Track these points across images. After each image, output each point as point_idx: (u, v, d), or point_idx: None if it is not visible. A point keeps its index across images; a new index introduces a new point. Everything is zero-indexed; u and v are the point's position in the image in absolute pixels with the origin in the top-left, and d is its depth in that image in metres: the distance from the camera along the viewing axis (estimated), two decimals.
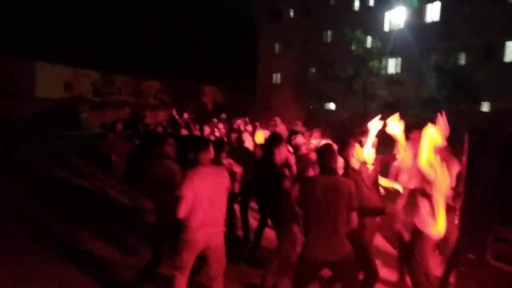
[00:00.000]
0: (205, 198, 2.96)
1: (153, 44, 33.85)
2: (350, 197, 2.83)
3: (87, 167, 10.12)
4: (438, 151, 3.37)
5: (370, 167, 3.68)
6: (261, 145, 5.27)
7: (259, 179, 4.03)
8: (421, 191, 3.41)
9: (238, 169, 4.24)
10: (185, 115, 10.13)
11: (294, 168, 4.00)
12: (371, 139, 3.70)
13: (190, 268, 3.12)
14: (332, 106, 27.39)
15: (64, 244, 4.83)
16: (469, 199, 2.31)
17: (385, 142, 4.23)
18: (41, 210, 6.38)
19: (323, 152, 3.02)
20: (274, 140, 3.95)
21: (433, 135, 3.24)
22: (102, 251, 4.66)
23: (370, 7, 25.22)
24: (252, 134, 7.54)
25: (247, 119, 9.29)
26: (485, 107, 19.09)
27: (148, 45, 33.56)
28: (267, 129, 7.80)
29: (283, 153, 3.90)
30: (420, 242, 3.34)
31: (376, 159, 3.76)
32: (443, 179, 3.25)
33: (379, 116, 3.72)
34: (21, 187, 7.89)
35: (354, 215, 2.86)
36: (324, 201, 2.79)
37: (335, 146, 3.39)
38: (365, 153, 3.60)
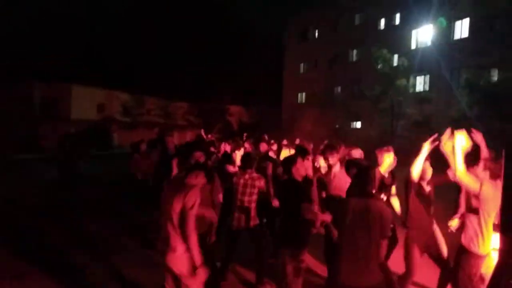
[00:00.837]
0: None
1: (182, 66, 34.97)
2: (382, 223, 2.69)
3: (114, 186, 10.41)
4: (488, 166, 3.29)
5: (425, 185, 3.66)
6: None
7: (282, 200, 4.00)
8: (468, 206, 3.27)
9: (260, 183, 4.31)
10: (210, 136, 10.34)
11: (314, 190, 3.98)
12: (423, 155, 3.54)
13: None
14: (358, 125, 27.07)
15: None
16: (509, 221, 2.20)
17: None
18: (69, 230, 6.60)
19: (362, 172, 2.86)
20: (288, 160, 3.87)
21: (464, 144, 3.08)
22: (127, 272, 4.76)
23: (396, 25, 25.09)
24: (278, 153, 7.64)
25: (264, 137, 9.23)
26: None
27: (177, 67, 34.73)
28: (293, 148, 7.82)
29: (302, 170, 3.79)
30: (467, 262, 3.17)
31: (432, 177, 3.69)
32: (492, 194, 3.02)
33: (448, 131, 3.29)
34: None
35: (385, 243, 2.77)
36: (356, 226, 2.69)
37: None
38: (418, 169, 3.52)
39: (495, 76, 18.91)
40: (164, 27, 40.89)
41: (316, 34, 32.52)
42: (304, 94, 33.37)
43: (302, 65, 33.88)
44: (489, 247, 3.09)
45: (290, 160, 3.80)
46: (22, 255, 5.07)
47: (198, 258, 2.84)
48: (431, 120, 19.87)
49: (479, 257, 3.15)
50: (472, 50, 19.69)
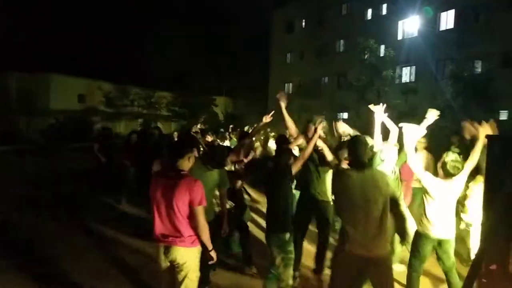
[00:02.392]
0: None
1: (165, 55, 34.31)
2: (386, 190, 2.75)
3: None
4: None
5: None
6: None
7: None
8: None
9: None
10: (198, 127, 10.19)
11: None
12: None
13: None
14: (345, 115, 27.11)
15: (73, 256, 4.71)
16: (490, 209, 2.21)
17: None
18: (51, 222, 6.30)
19: (355, 145, 2.87)
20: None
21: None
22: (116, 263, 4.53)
23: (382, 16, 25.04)
24: (265, 143, 7.50)
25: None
26: (503, 115, 18.56)
27: (160, 56, 34.04)
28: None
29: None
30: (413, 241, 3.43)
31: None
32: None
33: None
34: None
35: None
36: (362, 199, 2.70)
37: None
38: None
39: (478, 67, 19.09)
40: (148, 16, 40.00)
41: (303, 24, 32.29)
42: (290, 85, 33.24)
43: (288, 55, 33.69)
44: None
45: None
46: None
47: (210, 244, 2.86)
48: (416, 111, 19.99)
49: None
50: (457, 41, 19.81)
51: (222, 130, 9.25)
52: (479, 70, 18.90)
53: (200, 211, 2.75)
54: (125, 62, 33.16)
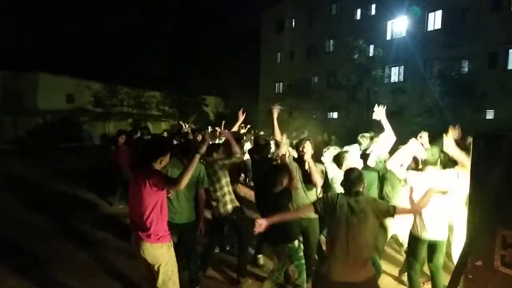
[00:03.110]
0: None
1: (155, 55, 34.01)
2: (377, 216, 2.76)
3: (87, 181, 9.98)
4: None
5: None
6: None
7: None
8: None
9: None
10: (187, 126, 10.20)
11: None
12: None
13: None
14: (335, 115, 27.27)
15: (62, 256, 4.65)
16: (475, 205, 2.24)
17: None
18: (40, 224, 6.20)
19: (351, 176, 2.85)
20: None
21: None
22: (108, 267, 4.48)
23: (371, 16, 25.25)
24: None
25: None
26: (490, 115, 18.89)
27: (150, 56, 33.73)
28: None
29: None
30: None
31: None
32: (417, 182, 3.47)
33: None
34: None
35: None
36: (348, 221, 2.71)
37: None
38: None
39: (465, 67, 19.40)
40: (138, 15, 39.62)
41: (293, 24, 32.35)
42: (281, 84, 33.28)
43: (278, 55, 33.72)
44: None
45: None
46: None
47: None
48: (405, 111, 20.23)
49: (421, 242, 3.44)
50: (444, 41, 20.10)
51: (211, 128, 9.22)
52: (466, 70, 19.22)
53: (171, 183, 2.78)
54: (114, 61, 32.75)
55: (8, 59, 27.29)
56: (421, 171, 3.53)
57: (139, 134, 8.83)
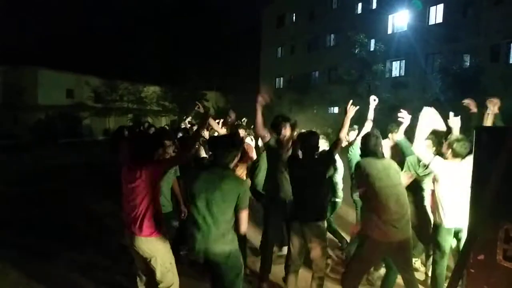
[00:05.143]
0: None
1: (155, 50, 33.92)
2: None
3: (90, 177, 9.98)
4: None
5: None
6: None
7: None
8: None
9: None
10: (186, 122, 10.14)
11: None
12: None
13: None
14: (336, 109, 27.22)
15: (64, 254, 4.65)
16: (477, 198, 2.21)
17: None
18: (40, 218, 6.21)
19: (367, 139, 3.08)
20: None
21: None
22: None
23: (372, 10, 25.08)
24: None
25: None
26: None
27: (150, 51, 33.64)
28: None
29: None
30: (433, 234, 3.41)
31: None
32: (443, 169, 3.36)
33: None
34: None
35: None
36: (387, 182, 2.87)
37: None
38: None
39: (467, 61, 19.30)
40: (137, 10, 39.46)
41: (293, 18, 32.19)
42: (281, 79, 33.19)
43: (279, 50, 33.61)
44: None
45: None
46: None
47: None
48: (406, 105, 20.13)
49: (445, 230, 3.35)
50: (446, 35, 19.96)
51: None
52: (467, 64, 19.12)
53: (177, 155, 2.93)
54: (114, 56, 32.67)
55: (8, 54, 27.22)
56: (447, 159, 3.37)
57: (142, 128, 8.77)
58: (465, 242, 2.31)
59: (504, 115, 4.13)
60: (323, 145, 4.37)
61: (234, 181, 2.59)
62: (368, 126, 4.17)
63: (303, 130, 4.07)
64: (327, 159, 3.42)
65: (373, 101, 4.31)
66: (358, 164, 3.05)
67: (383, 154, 3.09)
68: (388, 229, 2.83)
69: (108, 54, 33.15)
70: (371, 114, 4.32)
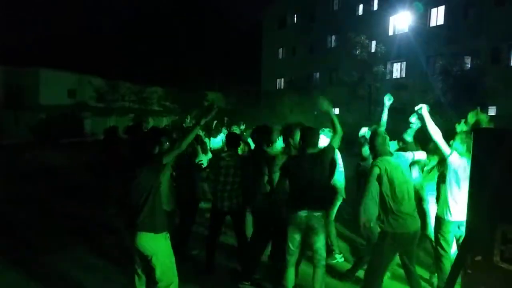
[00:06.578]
0: None
1: (157, 50, 33.97)
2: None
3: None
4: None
5: None
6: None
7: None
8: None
9: None
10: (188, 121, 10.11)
11: None
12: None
13: None
14: (336, 111, 27.21)
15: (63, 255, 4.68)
16: (475, 199, 2.25)
17: None
18: (39, 217, 6.23)
19: (376, 137, 3.24)
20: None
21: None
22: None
23: (374, 11, 25.10)
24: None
25: None
26: (492, 111, 18.81)
27: (152, 51, 33.69)
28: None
29: None
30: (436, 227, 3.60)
31: None
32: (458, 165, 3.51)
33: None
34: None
35: None
36: (404, 178, 3.13)
37: None
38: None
39: (468, 63, 19.30)
40: (139, 10, 39.49)
41: (295, 20, 32.21)
42: (282, 80, 33.20)
43: (280, 51, 33.63)
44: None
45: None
46: None
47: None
48: (407, 107, 20.14)
49: (449, 224, 3.50)
50: (447, 37, 19.98)
51: (216, 121, 9.17)
52: (468, 66, 19.13)
53: (172, 148, 3.02)
54: (116, 56, 32.72)
55: (9, 54, 27.30)
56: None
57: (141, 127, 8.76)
58: (462, 243, 2.35)
59: (505, 117, 4.20)
60: (324, 140, 4.36)
61: None
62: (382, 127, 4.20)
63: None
64: (327, 151, 3.49)
65: (388, 100, 4.38)
66: (374, 164, 3.17)
67: (390, 152, 3.27)
68: (405, 220, 3.08)
69: (110, 54, 33.22)
70: (385, 115, 4.40)
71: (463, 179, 3.41)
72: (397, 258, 3.46)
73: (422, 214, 3.99)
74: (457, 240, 3.59)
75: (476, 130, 2.40)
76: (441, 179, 3.74)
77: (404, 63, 23.28)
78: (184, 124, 9.79)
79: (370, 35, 21.47)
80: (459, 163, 3.46)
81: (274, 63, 33.64)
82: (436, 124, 3.58)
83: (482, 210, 2.18)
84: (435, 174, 4.11)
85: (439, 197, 3.75)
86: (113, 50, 33.69)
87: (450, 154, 3.47)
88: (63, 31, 34.62)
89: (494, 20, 18.50)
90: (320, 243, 3.38)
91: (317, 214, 3.35)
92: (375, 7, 25.13)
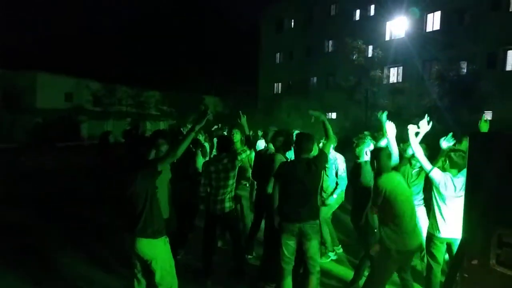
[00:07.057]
0: None
1: (154, 54, 34.00)
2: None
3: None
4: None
5: None
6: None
7: None
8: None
9: None
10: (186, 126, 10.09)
11: None
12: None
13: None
14: (333, 115, 27.29)
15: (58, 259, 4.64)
16: (471, 204, 2.25)
17: None
18: (35, 224, 6.19)
19: (380, 154, 3.22)
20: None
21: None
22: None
23: (370, 17, 25.28)
24: (254, 142, 7.53)
25: None
26: (488, 116, 18.90)
27: (149, 55, 33.72)
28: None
29: None
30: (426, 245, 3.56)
31: None
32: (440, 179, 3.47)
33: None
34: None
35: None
36: (404, 195, 3.13)
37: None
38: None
39: (464, 68, 19.43)
40: (136, 14, 39.58)
41: (292, 24, 32.38)
42: (280, 84, 33.28)
43: (277, 55, 33.75)
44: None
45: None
46: None
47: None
48: (403, 111, 20.25)
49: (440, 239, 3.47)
50: (443, 42, 20.13)
51: (216, 126, 9.19)
52: (464, 71, 19.26)
53: (166, 154, 3.03)
54: (113, 60, 32.73)
55: (7, 56, 27.26)
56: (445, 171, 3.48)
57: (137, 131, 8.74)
58: (458, 247, 2.35)
59: (502, 121, 4.22)
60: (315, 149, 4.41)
61: None
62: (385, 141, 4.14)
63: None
64: (319, 159, 3.48)
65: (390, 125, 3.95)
66: (376, 184, 3.18)
67: (390, 168, 3.25)
68: (407, 238, 3.08)
69: (108, 54, 33.24)
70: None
71: (447, 195, 3.37)
72: None
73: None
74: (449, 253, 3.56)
75: (472, 134, 2.35)
76: (428, 183, 3.73)
77: (401, 68, 23.43)
78: (182, 129, 9.78)
79: (367, 40, 21.59)
80: (440, 178, 3.40)
81: (272, 67, 33.74)
82: (433, 129, 3.58)
83: (478, 214, 2.18)
84: (423, 177, 4.16)
85: (430, 211, 3.68)
86: (112, 50, 33.76)
87: (431, 170, 3.41)
88: (62, 31, 34.67)
89: (489, 25, 18.67)
90: (313, 249, 3.37)
91: (310, 221, 3.37)
92: (372, 13, 25.31)
